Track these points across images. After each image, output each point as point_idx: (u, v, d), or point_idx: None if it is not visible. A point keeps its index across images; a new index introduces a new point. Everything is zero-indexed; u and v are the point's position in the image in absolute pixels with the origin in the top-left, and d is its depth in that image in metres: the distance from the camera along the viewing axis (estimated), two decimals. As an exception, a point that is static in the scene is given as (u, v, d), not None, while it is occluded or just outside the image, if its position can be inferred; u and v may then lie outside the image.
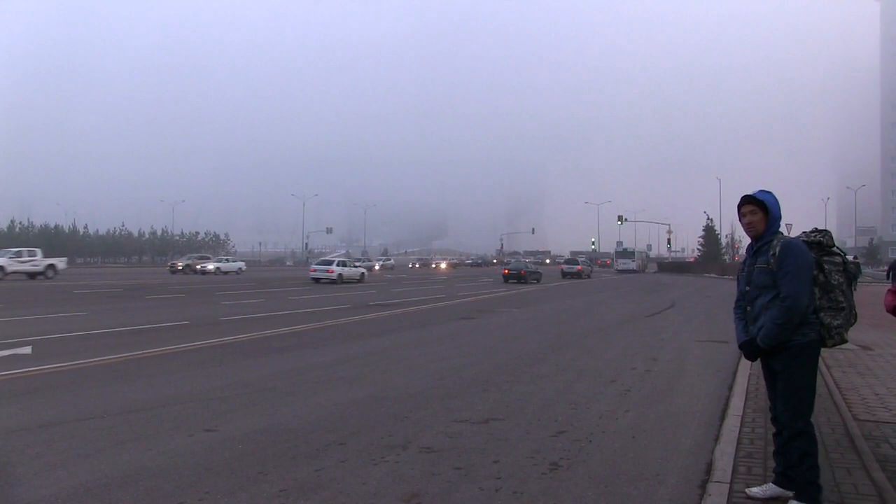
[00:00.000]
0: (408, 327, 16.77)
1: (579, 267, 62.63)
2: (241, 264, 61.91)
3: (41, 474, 5.15)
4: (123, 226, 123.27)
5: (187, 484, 4.96)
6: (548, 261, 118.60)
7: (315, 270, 42.83)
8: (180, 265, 60.01)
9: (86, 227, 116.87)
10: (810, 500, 4.27)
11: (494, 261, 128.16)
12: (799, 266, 4.28)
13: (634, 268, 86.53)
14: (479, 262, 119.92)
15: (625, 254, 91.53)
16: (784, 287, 4.26)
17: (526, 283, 46.18)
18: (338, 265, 43.23)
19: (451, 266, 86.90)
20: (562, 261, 76.61)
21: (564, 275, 61.10)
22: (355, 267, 46.31)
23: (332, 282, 41.08)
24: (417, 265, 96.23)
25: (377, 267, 76.02)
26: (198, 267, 57.21)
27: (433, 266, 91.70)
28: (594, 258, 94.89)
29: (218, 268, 57.05)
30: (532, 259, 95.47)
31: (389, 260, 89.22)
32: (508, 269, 49.84)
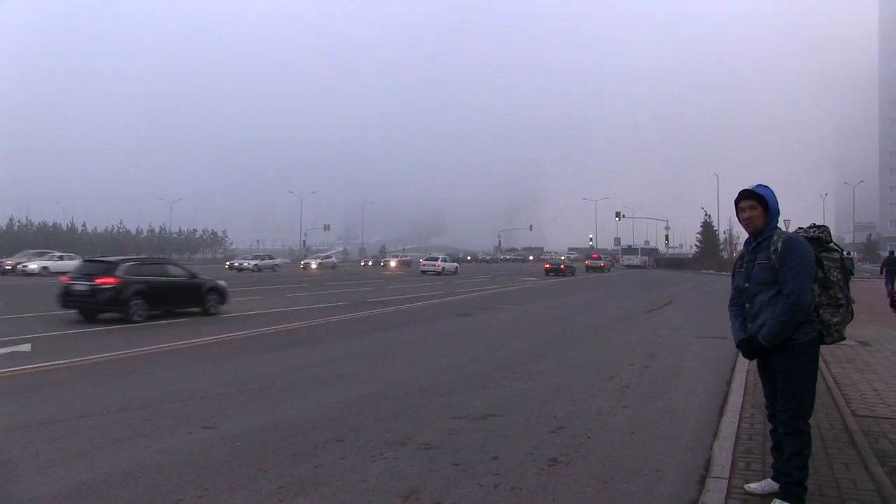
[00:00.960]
0: (406, 324, 16.77)
1: (602, 262, 72.15)
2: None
3: (41, 471, 5.17)
4: (122, 223, 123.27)
5: (186, 481, 4.97)
6: (573, 256, 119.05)
7: (424, 265, 56.43)
8: (9, 264, 46.54)
9: (84, 226, 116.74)
10: (793, 500, 4.24)
11: (469, 258, 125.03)
12: (802, 262, 4.21)
13: (639, 263, 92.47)
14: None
15: (630, 250, 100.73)
16: (788, 284, 4.18)
17: (564, 275, 54.17)
18: (441, 261, 57.19)
19: (402, 264, 79.09)
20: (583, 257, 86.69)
21: (588, 269, 69.20)
22: (452, 262, 61.44)
23: (438, 273, 52.87)
24: (370, 263, 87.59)
25: (314, 265, 67.81)
26: (18, 267, 44.87)
27: (381, 264, 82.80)
28: (614, 254, 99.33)
29: (45, 267, 44.03)
30: (533, 255, 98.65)
31: (329, 258, 78.13)
32: (549, 265, 58.94)
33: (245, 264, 61.79)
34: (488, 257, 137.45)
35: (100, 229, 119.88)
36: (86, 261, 19.30)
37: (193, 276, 18.62)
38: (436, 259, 58.30)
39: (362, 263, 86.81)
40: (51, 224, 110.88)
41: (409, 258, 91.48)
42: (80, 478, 5.02)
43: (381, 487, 4.88)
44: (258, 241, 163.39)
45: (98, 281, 16.16)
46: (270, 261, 66.12)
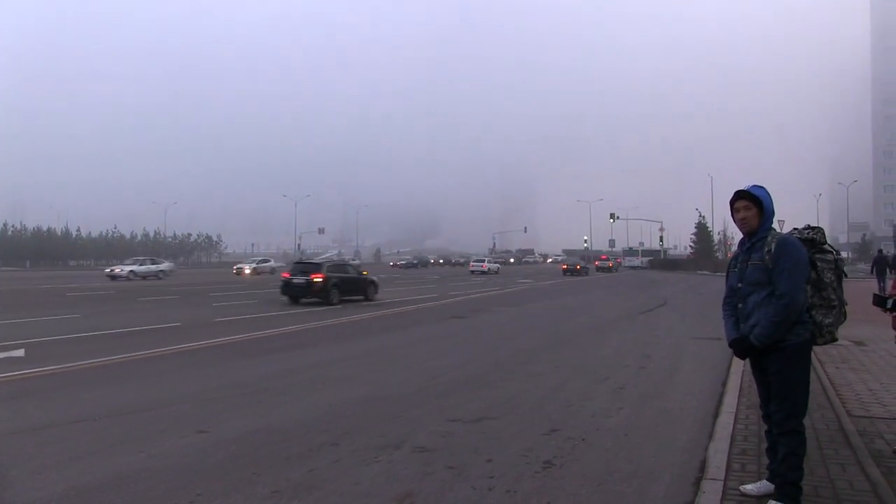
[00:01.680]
0: (401, 327, 16.76)
1: (610, 263, 79.08)
2: None
3: (33, 477, 5.13)
4: (116, 228, 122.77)
5: (179, 486, 4.94)
6: (560, 259, 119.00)
7: (473, 266, 67.80)
8: None
9: (78, 230, 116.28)
10: (788, 501, 4.23)
11: (431, 260, 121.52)
12: (795, 263, 4.22)
13: (639, 264, 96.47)
14: (416, 262, 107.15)
15: (631, 252, 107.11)
16: (781, 285, 4.19)
17: (580, 275, 61.06)
18: (488, 262, 69.33)
19: None
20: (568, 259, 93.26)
21: (598, 269, 75.29)
22: (495, 263, 73.81)
23: (484, 273, 61.60)
24: None
25: (247, 270, 60.15)
26: None
27: None
28: (616, 256, 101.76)
29: None
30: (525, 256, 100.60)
31: (268, 261, 67.99)
32: (567, 265, 67.17)
33: (118, 271, 47.54)
34: (462, 260, 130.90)
35: (94, 234, 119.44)
36: (298, 262, 27.81)
37: (360, 272, 26.80)
38: (482, 261, 70.48)
39: None
40: (45, 229, 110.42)
41: (357, 262, 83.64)
42: (71, 483, 4.99)
43: (376, 491, 4.86)
44: (253, 245, 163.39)
45: (312, 276, 23.56)
46: (154, 266, 52.10)
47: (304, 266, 25.41)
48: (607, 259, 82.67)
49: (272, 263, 67.00)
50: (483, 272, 63.18)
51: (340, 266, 26.68)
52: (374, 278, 27.22)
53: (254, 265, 62.68)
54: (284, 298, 24.03)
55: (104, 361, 10.65)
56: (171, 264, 59.24)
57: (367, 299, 25.36)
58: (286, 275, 24.66)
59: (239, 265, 64.85)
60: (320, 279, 23.42)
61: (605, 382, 9.13)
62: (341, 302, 23.81)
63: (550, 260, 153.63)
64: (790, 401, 4.29)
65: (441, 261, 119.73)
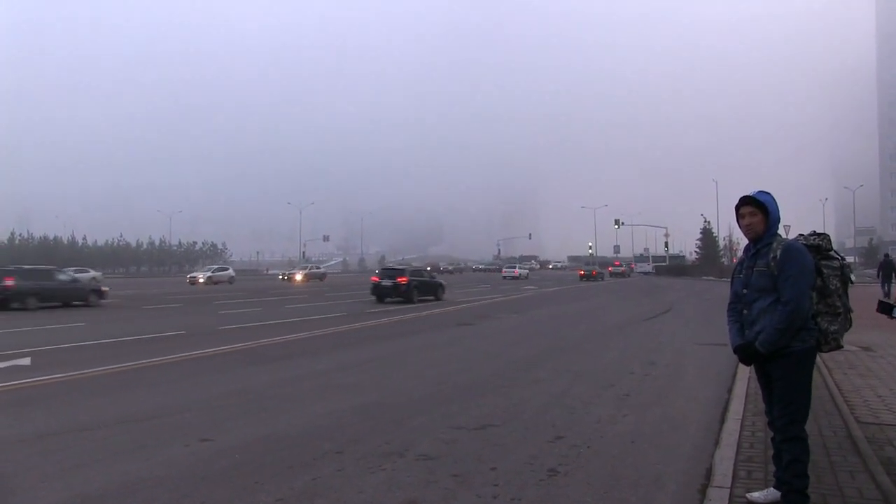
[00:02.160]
0: (405, 334, 16.74)
1: (623, 269, 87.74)
2: None
3: (38, 485, 5.13)
4: (121, 237, 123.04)
5: (183, 494, 4.92)
6: (560, 265, 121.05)
7: (505, 272, 75.08)
8: None
9: (84, 239, 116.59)
10: None
11: (428, 268, 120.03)
12: (801, 270, 4.20)
13: (650, 270, 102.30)
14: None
15: (642, 259, 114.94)
16: (786, 291, 4.17)
17: (596, 280, 67.74)
18: (519, 268, 75.80)
19: (309, 278, 67.40)
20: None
21: (612, 274, 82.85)
22: (524, 268, 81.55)
23: (515, 278, 68.25)
24: (287, 277, 69.91)
25: (201, 279, 56.23)
26: None
27: (283, 277, 69.95)
28: (629, 262, 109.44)
29: None
30: (528, 263, 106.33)
31: (226, 269, 64.49)
32: (584, 271, 73.57)
33: None
34: (451, 267, 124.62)
35: (100, 242, 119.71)
36: (384, 268, 33.61)
37: (432, 276, 32.95)
38: (514, 267, 77.98)
39: (280, 276, 73.93)
40: (51, 238, 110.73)
41: (321, 270, 79.54)
42: (75, 491, 4.98)
43: (379, 499, 4.84)
44: (258, 253, 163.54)
45: (398, 279, 28.82)
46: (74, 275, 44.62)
47: (391, 271, 30.97)
48: (620, 265, 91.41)
49: (230, 272, 63.49)
50: (514, 277, 70.21)
51: (418, 271, 32.52)
52: (443, 281, 33.37)
53: (209, 274, 59.16)
54: (373, 298, 28.93)
55: (109, 370, 10.65)
56: (94, 273, 55.20)
57: (437, 299, 30.06)
58: (375, 279, 29.74)
59: (192, 274, 61.31)
60: (404, 282, 28.56)
61: (610, 389, 9.09)
62: (419, 301, 28.39)
63: (551, 266, 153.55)
64: (794, 405, 4.27)
65: (428, 268, 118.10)
